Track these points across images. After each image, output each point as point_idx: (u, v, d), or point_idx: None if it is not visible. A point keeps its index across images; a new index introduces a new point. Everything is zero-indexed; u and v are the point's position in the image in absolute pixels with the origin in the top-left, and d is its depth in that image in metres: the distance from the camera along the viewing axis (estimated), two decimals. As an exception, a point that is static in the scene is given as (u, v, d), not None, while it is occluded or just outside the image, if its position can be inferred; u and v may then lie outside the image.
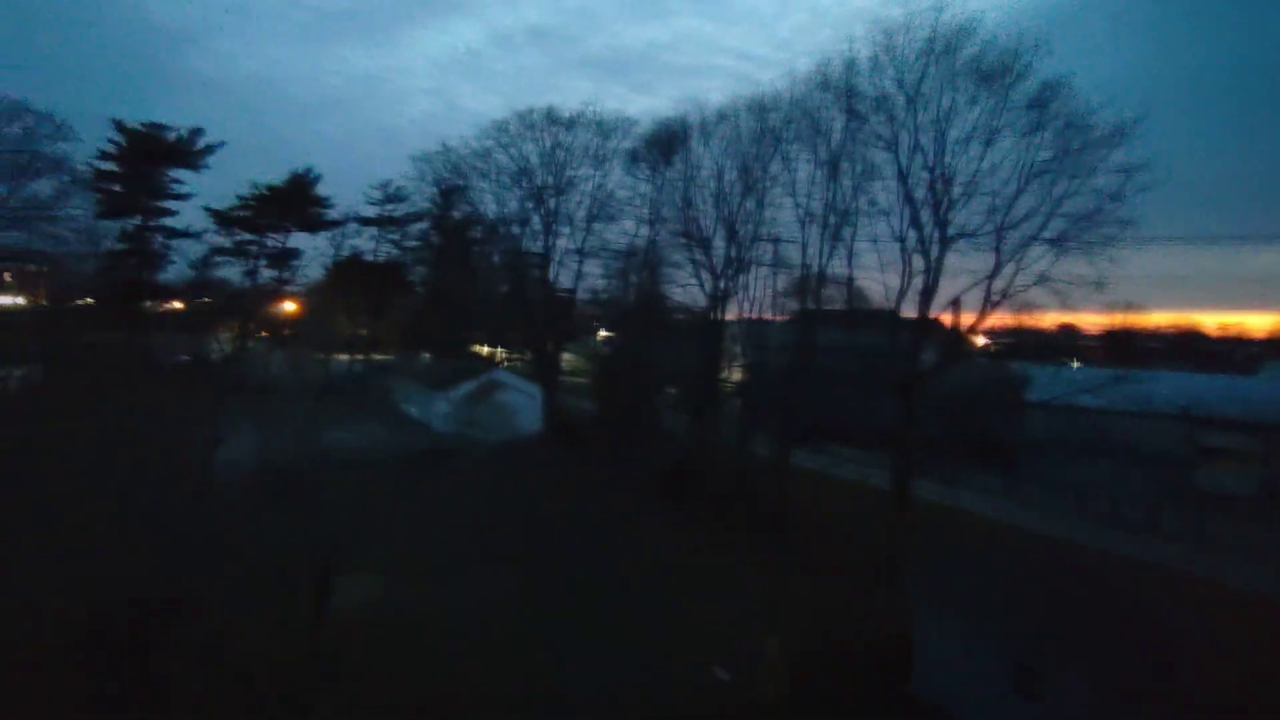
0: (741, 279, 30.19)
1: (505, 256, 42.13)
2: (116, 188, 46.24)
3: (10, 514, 17.40)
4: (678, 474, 27.74)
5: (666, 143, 33.28)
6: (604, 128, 37.14)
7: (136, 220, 47.03)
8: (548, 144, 38.08)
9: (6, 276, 48.86)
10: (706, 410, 31.22)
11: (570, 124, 37.66)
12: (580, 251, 39.30)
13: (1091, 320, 65.94)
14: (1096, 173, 20.34)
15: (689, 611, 17.27)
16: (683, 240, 32.15)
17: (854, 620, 16.65)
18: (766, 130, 28.79)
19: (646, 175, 35.28)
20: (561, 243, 39.84)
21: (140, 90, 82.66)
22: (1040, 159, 21.03)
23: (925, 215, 22.93)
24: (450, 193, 45.80)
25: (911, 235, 23.23)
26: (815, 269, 27.63)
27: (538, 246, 40.18)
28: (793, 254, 28.90)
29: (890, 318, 24.66)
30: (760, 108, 29.14)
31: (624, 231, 38.16)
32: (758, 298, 30.60)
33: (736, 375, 33.50)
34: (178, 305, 53.28)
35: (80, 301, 48.17)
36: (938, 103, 22.28)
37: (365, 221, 52.46)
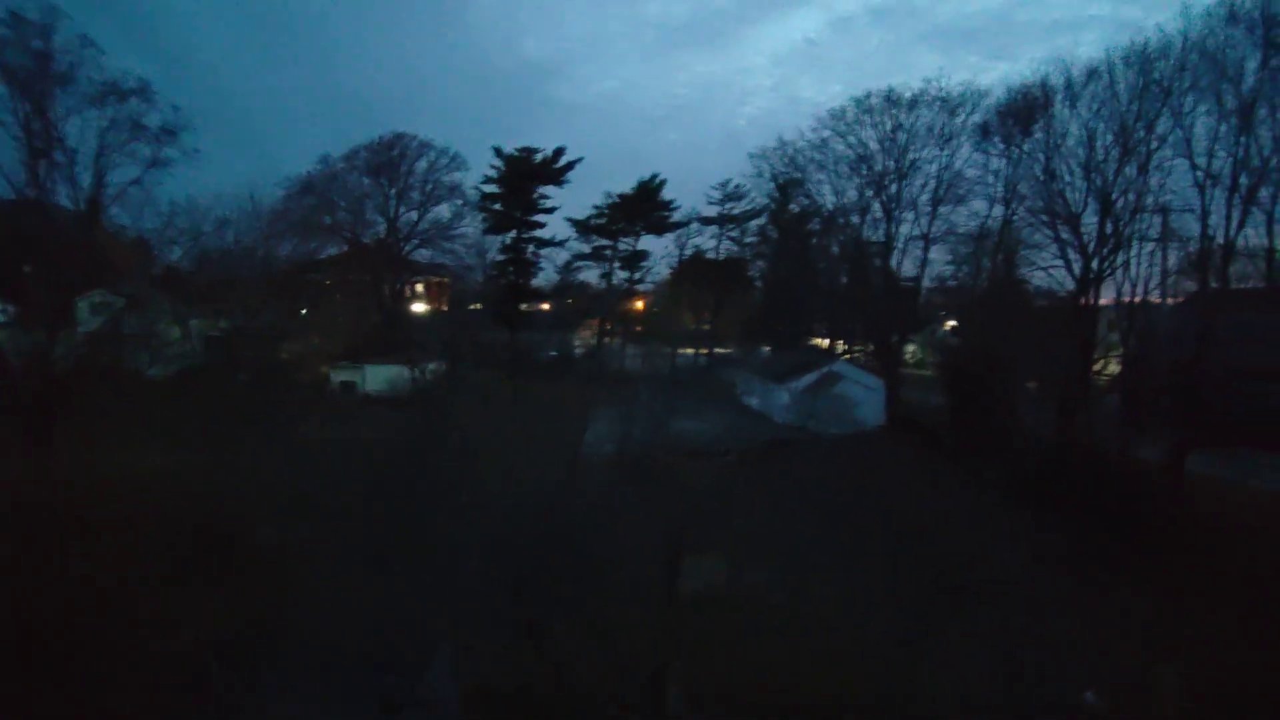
0: (1119, 258, 29.44)
1: (844, 247, 45.41)
2: (498, 207, 58.86)
3: (437, 487, 22.82)
4: (1039, 476, 27.56)
5: (1024, 111, 33.43)
6: (950, 103, 38.50)
7: (513, 234, 59.40)
8: (888, 127, 40.49)
9: (420, 288, 65.11)
10: (1075, 407, 30.73)
11: (912, 103, 39.56)
12: (925, 237, 41.01)
13: None
14: None
15: (1053, 628, 17.16)
16: (1044, 218, 32.20)
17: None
18: (1151, 83, 27.69)
19: (1000, 150, 35.98)
20: (904, 229, 41.82)
21: (514, 118, 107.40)
22: None
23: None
24: (787, 186, 50.29)
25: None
26: (1220, 240, 26.46)
27: (878, 235, 42.80)
28: (1188, 225, 27.42)
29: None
30: (1143, 58, 28.09)
31: (974, 213, 38.93)
32: (1141, 278, 29.55)
33: (1113, 367, 32.29)
34: (546, 307, 66.28)
35: (472, 306, 63.15)
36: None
37: (706, 221, 59.16)
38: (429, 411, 32.55)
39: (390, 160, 54.67)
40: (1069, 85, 31.44)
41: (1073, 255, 31.29)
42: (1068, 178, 31.44)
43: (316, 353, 44.70)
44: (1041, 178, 32.62)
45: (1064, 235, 31.50)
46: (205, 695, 13.90)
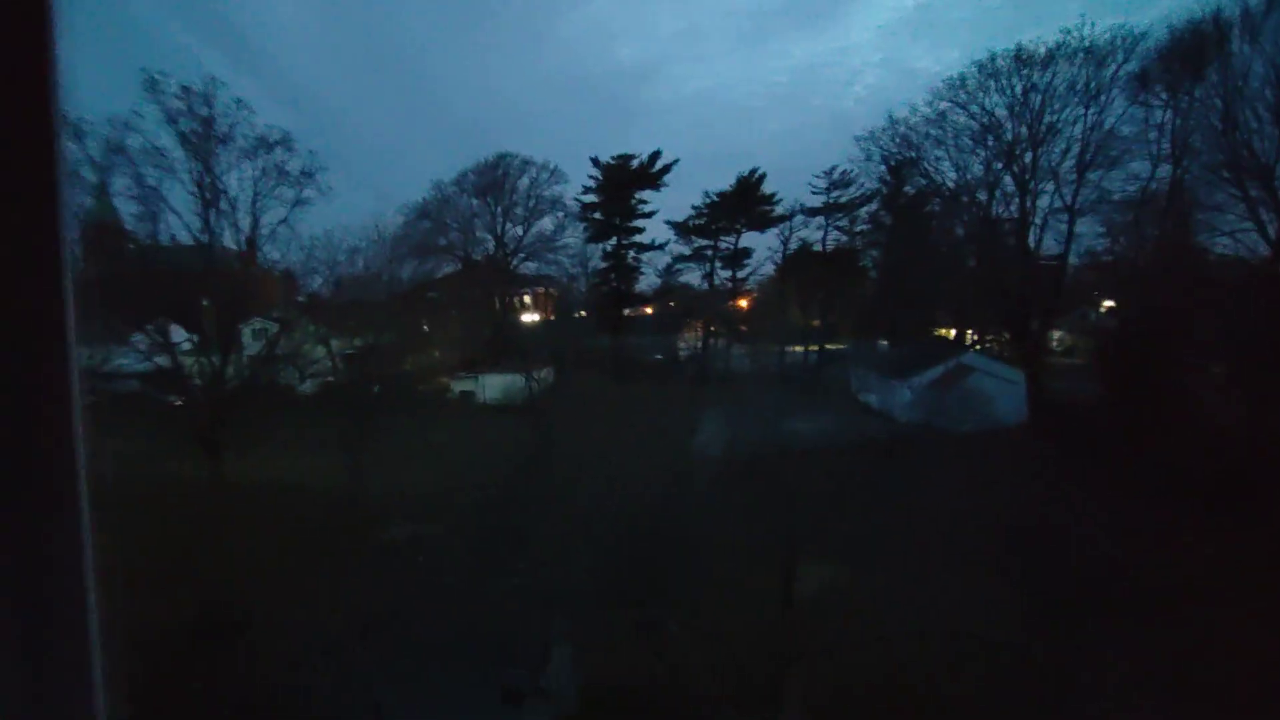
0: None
1: (970, 227, 41.33)
2: (597, 215, 60.32)
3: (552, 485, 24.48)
4: (1224, 477, 23.59)
5: (1193, 52, 28.67)
6: (1096, 53, 33.60)
7: (614, 241, 60.69)
8: (1018, 90, 36.10)
9: (528, 299, 66.31)
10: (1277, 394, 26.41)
11: (1048, 60, 34.96)
12: (1069, 209, 36.26)
13: None
14: None
15: (1235, 652, 14.62)
16: (1226, 174, 27.50)
17: None
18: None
19: (1163, 100, 31.13)
20: (1043, 202, 37.48)
21: (610, 126, 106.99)
22: None
23: None
24: (900, 168, 46.74)
25: None
26: None
27: (1011, 211, 38.58)
28: None
29: None
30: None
31: (1132, 176, 33.91)
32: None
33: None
34: (649, 310, 66.12)
35: (577, 314, 64.18)
36: None
37: (811, 212, 56.87)
38: (540, 417, 33.52)
39: (495, 180, 56.60)
40: (1247, 14, 26.62)
41: (1266, 215, 26.29)
42: (1254, 124, 26.69)
43: (438, 365, 47.80)
44: (1219, 127, 27.79)
45: (1253, 192, 26.63)
46: (345, 672, 15.07)
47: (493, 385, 44.45)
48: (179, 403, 31.31)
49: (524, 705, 14.41)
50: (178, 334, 31.53)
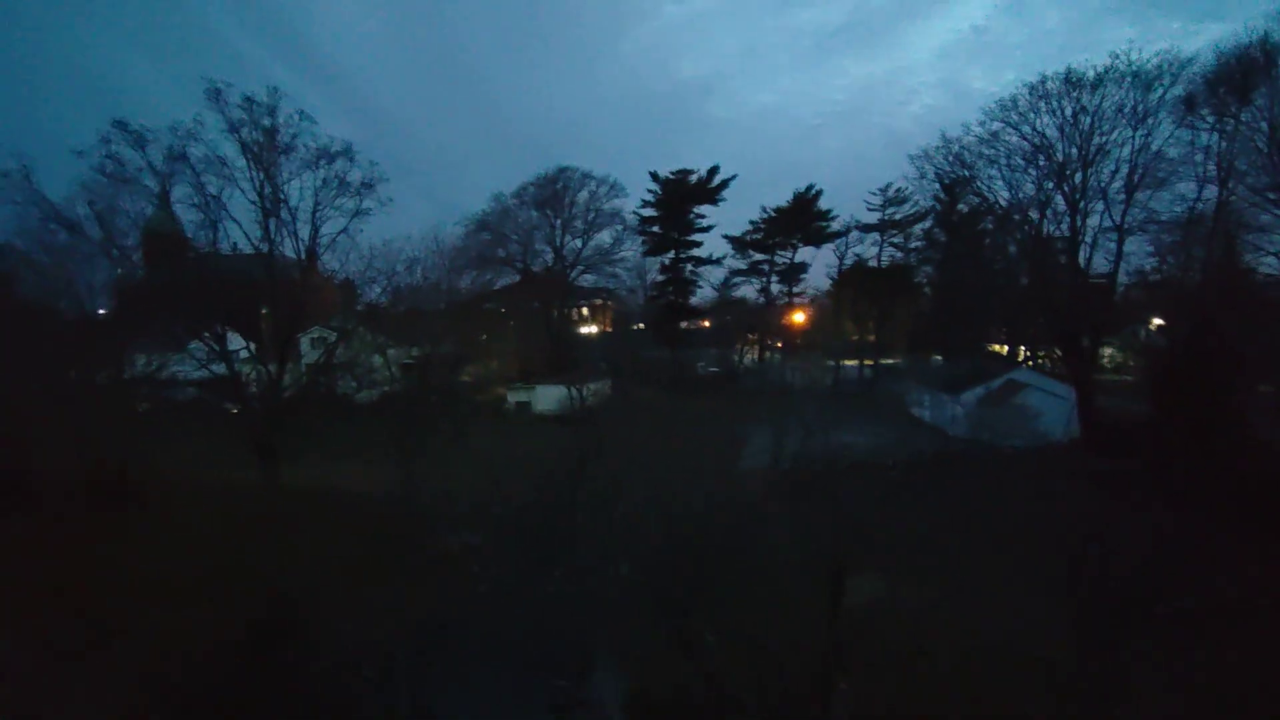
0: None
1: (1022, 245, 41.20)
2: (656, 229, 61.62)
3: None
4: (1272, 494, 23.10)
5: (1240, 76, 29.14)
6: (1144, 77, 34.06)
7: (671, 254, 62.02)
8: (1068, 112, 36.46)
9: (585, 311, 68.54)
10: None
11: (1097, 83, 35.40)
12: (1118, 228, 36.51)
13: None
14: None
15: None
16: (1271, 195, 27.76)
17: None
18: None
19: (1210, 123, 31.44)
20: (1092, 221, 37.58)
21: (669, 141, 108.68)
22: None
23: None
24: (954, 186, 46.94)
25: None
26: None
27: (1062, 230, 38.68)
28: None
29: None
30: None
31: (1179, 197, 34.36)
32: None
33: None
34: (705, 323, 67.25)
35: (634, 326, 66.25)
36: None
37: (867, 228, 58.17)
38: (590, 428, 33.71)
39: (555, 193, 57.99)
40: (1296, 41, 26.84)
41: (1313, 237, 26.37)
42: (1301, 146, 26.77)
43: (494, 375, 48.31)
44: (1265, 149, 28.01)
45: (1299, 213, 26.69)
46: (395, 680, 15.06)
47: (547, 396, 44.84)
48: (236, 410, 31.44)
49: (570, 717, 14.51)
50: (235, 341, 31.51)
